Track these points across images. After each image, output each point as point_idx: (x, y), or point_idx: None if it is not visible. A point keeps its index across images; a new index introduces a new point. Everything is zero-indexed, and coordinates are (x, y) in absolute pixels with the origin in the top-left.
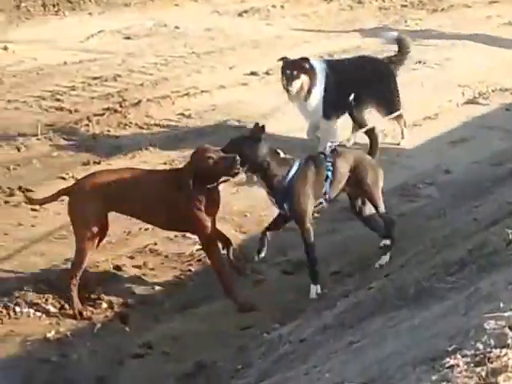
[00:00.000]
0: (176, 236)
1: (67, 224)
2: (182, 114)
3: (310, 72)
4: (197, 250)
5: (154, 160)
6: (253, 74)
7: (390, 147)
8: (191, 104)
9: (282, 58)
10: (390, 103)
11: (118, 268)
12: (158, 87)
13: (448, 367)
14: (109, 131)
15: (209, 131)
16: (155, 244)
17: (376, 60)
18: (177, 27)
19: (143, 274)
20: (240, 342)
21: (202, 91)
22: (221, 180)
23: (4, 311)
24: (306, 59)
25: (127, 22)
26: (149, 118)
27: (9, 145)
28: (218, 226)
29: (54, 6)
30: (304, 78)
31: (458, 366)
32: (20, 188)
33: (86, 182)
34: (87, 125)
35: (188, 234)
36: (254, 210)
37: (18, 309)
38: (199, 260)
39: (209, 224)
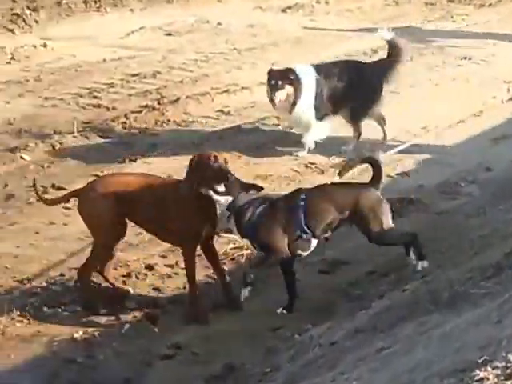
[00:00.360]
0: None
1: None
2: (221, 111)
3: (296, 83)
4: (230, 249)
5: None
6: None
7: (433, 144)
8: (231, 101)
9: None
10: (360, 110)
11: (149, 267)
12: (197, 84)
13: (477, 380)
14: (146, 129)
15: (247, 129)
16: None
17: (361, 65)
18: (219, 23)
19: (175, 273)
20: (270, 344)
21: (242, 88)
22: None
23: (32, 311)
24: (291, 70)
25: (169, 19)
26: (187, 116)
27: (44, 142)
28: None
29: (95, 2)
30: (289, 89)
31: (487, 379)
32: (53, 186)
33: (96, 185)
34: (124, 122)
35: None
36: None
37: (45, 308)
38: (233, 259)
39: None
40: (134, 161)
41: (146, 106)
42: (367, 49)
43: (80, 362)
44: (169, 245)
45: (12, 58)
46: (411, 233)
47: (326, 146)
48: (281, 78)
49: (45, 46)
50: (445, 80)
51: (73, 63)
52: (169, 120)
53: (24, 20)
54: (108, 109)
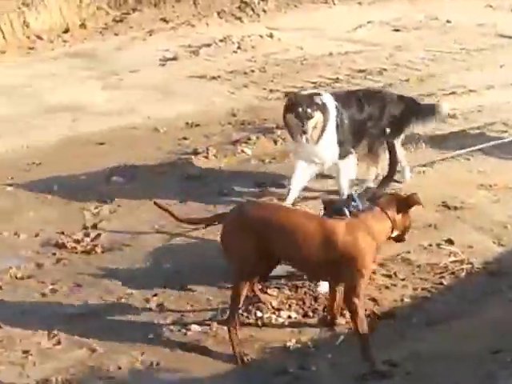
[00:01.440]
0: (430, 245)
1: None
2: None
3: (324, 109)
4: (451, 262)
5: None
6: None
7: None
8: (457, 103)
9: (287, 94)
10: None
11: None
12: (423, 84)
13: None
14: None
15: (473, 133)
16: (408, 252)
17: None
18: (448, 21)
19: (393, 285)
20: (489, 368)
21: (470, 91)
22: None
23: (245, 314)
24: (318, 94)
25: (397, 14)
26: None
27: (266, 137)
28: (476, 235)
29: None
30: (318, 116)
31: None
32: (273, 184)
33: (239, 213)
34: None
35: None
36: None
37: (259, 314)
38: (453, 273)
39: None
40: None
41: None
42: None
43: (292, 372)
44: (388, 253)
45: (238, 48)
46: None
47: None
48: (310, 103)
49: (271, 36)
50: None
51: (299, 55)
52: None
53: (252, 9)
54: None
